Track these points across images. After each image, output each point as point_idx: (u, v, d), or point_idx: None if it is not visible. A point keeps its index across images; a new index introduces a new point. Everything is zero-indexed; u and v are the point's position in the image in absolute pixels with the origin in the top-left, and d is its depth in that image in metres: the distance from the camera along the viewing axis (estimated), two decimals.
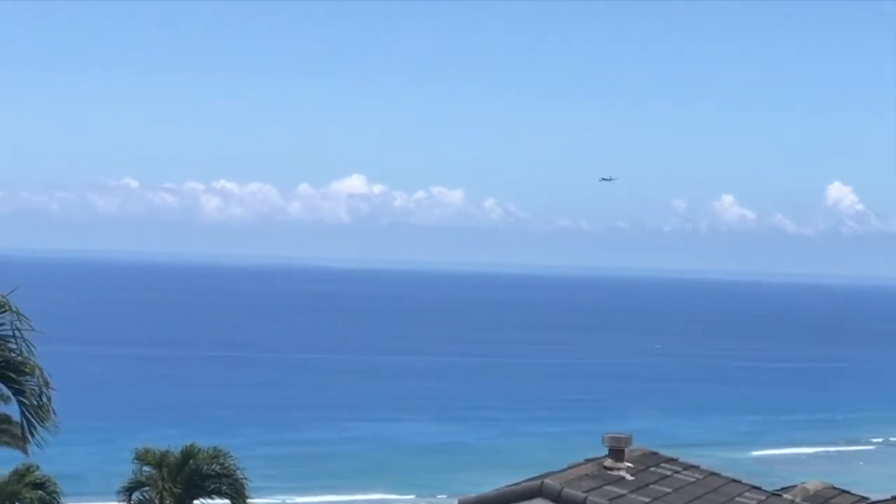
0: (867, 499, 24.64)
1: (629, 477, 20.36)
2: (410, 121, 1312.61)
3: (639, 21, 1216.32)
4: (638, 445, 21.70)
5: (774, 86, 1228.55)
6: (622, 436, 21.07)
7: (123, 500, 36.49)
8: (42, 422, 20.22)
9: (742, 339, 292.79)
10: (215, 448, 36.96)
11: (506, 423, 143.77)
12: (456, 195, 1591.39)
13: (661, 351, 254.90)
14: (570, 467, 20.29)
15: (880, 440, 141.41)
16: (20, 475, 34.14)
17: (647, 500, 19.73)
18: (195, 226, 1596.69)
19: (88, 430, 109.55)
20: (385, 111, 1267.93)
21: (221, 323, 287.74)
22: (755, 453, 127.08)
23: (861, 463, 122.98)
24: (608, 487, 19.58)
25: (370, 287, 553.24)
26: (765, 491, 22.46)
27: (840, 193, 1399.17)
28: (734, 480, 22.37)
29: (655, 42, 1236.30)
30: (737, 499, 21.47)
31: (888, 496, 24.79)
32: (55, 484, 34.72)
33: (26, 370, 20.01)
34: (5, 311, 19.87)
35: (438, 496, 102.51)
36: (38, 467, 34.29)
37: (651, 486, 20.40)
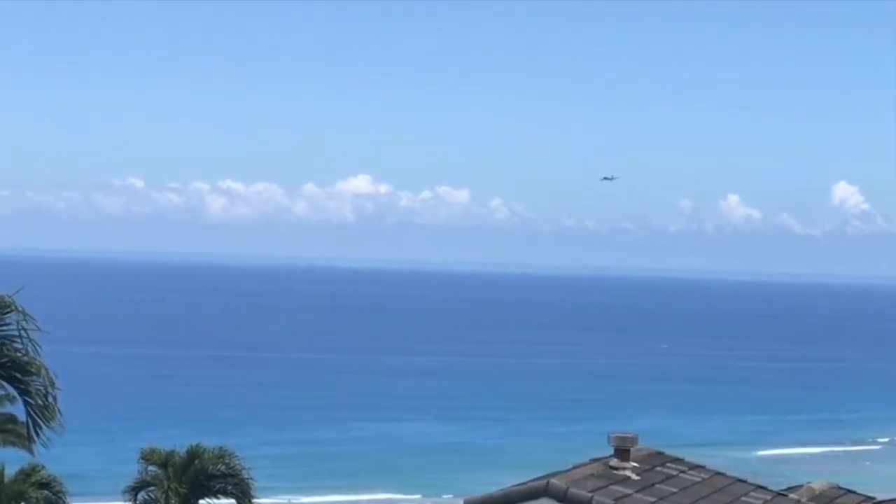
0: (873, 498, 24.62)
1: (635, 477, 20.35)
2: (411, 121, 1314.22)
3: (639, 21, 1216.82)
4: (643, 445, 21.70)
5: (775, 86, 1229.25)
6: (628, 435, 21.06)
7: (129, 500, 36.53)
8: (48, 422, 20.25)
9: (748, 339, 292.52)
10: (221, 448, 36.99)
11: (511, 422, 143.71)
12: (462, 195, 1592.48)
13: (667, 351, 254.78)
14: (575, 467, 20.29)
15: (886, 440, 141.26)
16: (26, 475, 34.18)
17: (652, 499, 19.72)
18: (200, 226, 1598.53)
19: (94, 430, 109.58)
20: (385, 111, 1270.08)
21: (226, 323, 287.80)
22: (761, 453, 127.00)
23: (867, 463, 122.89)
24: (614, 487, 19.57)
25: (375, 287, 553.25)
26: (770, 491, 22.45)
27: (846, 193, 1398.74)
28: (740, 480, 22.36)
29: (655, 42, 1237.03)
30: (742, 498, 21.45)
31: (894, 496, 24.78)
32: (61, 483, 34.76)
33: (32, 370, 20.03)
34: (11, 311, 19.89)
35: (444, 496, 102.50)
36: (43, 467, 34.33)
37: (657, 485, 20.40)
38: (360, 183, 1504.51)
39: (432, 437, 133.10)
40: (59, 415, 20.28)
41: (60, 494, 34.59)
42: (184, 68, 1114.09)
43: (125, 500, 36.62)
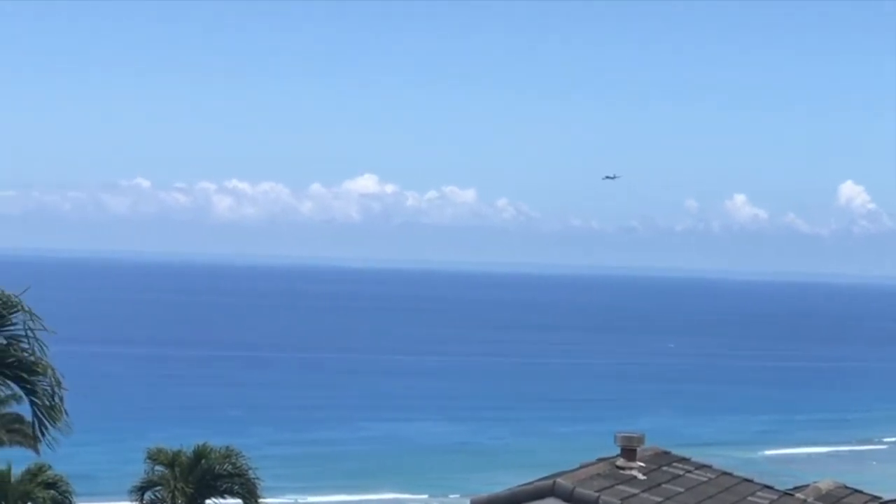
0: (880, 498, 24.57)
1: (641, 476, 20.33)
2: (412, 121, 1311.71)
3: (639, 21, 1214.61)
4: (650, 445, 21.67)
5: (776, 86, 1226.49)
6: (634, 435, 21.04)
7: (136, 500, 36.56)
8: (54, 422, 20.24)
9: (754, 339, 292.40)
10: (227, 448, 37.02)
11: (517, 422, 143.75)
12: (468, 195, 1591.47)
13: (673, 350, 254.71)
14: (581, 467, 20.27)
15: (893, 439, 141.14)
16: (32, 475, 34.25)
17: (659, 499, 19.70)
18: (207, 225, 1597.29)
19: (101, 430, 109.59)
20: (386, 111, 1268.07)
21: (232, 323, 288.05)
22: (768, 453, 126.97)
23: (874, 462, 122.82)
24: (620, 487, 19.55)
25: (382, 287, 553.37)
26: (777, 490, 22.41)
27: (852, 192, 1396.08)
28: (746, 480, 22.33)
29: (655, 42, 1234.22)
30: (749, 498, 21.43)
31: None
32: (67, 483, 34.83)
33: (39, 370, 20.02)
34: (17, 310, 19.89)
35: (450, 496, 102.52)
36: (50, 467, 34.40)
37: (663, 485, 20.37)
38: (367, 183, 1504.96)
39: (438, 436, 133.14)
40: (65, 415, 20.27)
41: (67, 494, 34.64)
42: (184, 68, 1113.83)
43: (132, 500, 36.66)
